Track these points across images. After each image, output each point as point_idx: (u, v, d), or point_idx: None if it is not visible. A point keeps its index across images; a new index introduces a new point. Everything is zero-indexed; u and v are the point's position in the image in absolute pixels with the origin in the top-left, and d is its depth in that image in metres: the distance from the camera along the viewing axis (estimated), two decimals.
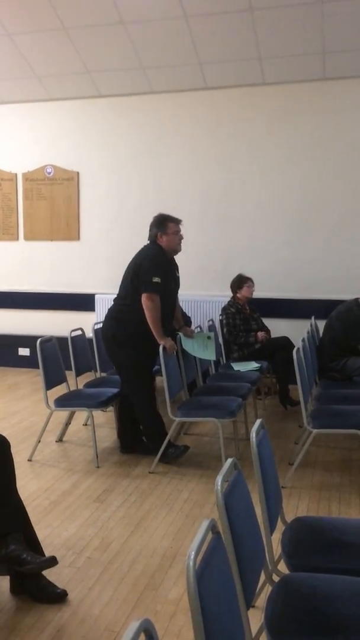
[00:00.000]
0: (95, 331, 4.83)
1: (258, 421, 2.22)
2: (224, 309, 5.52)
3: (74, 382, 4.54)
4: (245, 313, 5.55)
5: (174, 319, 4.33)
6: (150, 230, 4.15)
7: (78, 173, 6.69)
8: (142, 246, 4.18)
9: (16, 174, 6.88)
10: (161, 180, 6.42)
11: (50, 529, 3.09)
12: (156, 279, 3.93)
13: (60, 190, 6.75)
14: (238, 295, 5.58)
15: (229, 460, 1.82)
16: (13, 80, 6.40)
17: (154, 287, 3.93)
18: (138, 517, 3.24)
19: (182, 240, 4.16)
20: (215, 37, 5.49)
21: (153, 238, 4.13)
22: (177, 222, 4.12)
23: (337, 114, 5.91)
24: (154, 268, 3.96)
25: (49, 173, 6.77)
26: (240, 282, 5.60)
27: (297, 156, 6.04)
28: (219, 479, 1.66)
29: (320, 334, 5.39)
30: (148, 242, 4.17)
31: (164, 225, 4.08)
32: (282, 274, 6.14)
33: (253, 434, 2.09)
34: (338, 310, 4.90)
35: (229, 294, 5.65)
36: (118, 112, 6.48)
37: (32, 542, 2.55)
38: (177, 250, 4.15)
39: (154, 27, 5.46)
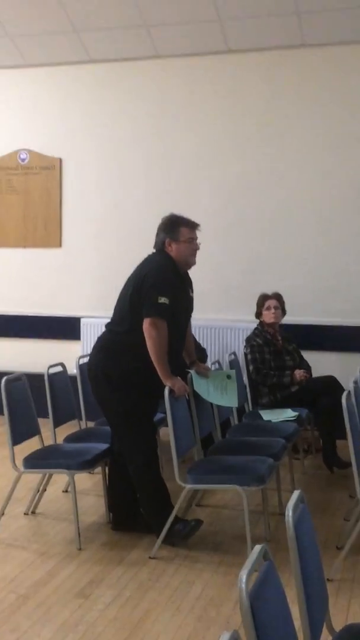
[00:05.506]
0: (81, 367, 4.83)
1: (296, 492, 2.19)
2: (249, 340, 5.52)
3: (51, 434, 4.54)
4: (277, 345, 5.53)
5: (185, 352, 4.33)
6: (157, 235, 4.18)
7: (60, 160, 6.77)
8: (144, 256, 4.20)
9: None
10: (167, 170, 6.49)
11: (18, 634, 3.06)
12: (163, 300, 3.93)
13: (38, 182, 6.83)
14: (264, 321, 5.57)
15: (257, 547, 1.79)
16: None
17: (160, 309, 3.93)
18: (134, 620, 3.21)
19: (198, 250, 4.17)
20: None
21: (160, 246, 4.15)
22: (192, 226, 4.14)
23: None
24: (161, 285, 3.98)
25: (23, 160, 6.85)
26: (260, 304, 5.59)
27: (341, 138, 6.07)
28: (244, 575, 1.63)
29: None
30: (154, 250, 4.20)
31: (176, 230, 4.10)
32: (324, 292, 6.15)
33: (289, 510, 2.07)
34: None
35: (255, 319, 5.66)
36: (113, 83, 6.58)
37: None
38: (189, 263, 4.17)
39: None
